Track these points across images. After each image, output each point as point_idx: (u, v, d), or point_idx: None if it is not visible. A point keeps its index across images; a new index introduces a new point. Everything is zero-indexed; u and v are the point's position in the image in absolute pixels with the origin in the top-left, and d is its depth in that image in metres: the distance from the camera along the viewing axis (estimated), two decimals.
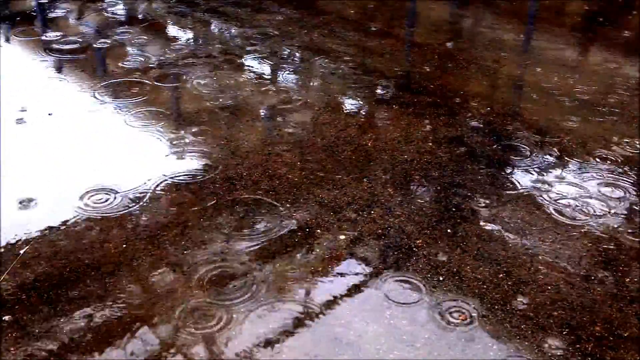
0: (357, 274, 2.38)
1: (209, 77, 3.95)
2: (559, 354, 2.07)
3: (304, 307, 2.22)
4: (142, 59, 4.17)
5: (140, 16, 5.04)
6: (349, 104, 3.68)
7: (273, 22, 4.93)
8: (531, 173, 3.05)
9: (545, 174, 3.05)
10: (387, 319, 2.18)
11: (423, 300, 2.26)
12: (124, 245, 2.48)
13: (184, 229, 2.58)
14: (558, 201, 2.85)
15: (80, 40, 4.42)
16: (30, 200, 2.72)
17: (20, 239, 2.50)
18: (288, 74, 4.07)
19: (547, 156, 3.19)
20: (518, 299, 2.28)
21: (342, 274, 2.37)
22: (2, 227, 2.56)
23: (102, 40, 4.46)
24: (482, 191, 2.90)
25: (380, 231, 2.61)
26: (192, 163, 3.04)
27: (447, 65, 4.23)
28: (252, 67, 4.17)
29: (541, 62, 4.35)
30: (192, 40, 4.61)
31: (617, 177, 3.04)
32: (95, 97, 3.65)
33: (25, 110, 3.47)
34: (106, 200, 2.73)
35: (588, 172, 3.07)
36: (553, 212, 2.77)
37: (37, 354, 2.01)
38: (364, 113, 3.58)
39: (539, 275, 2.40)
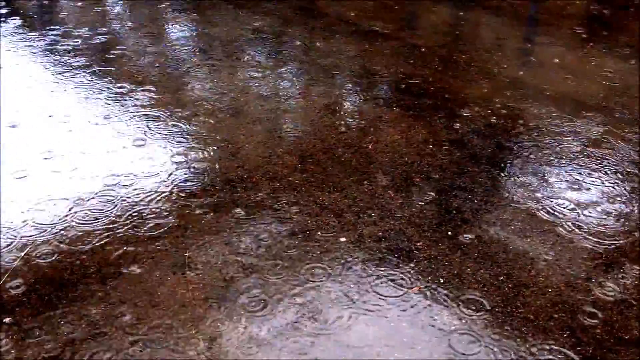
0: (357, 276, 2.38)
1: (208, 79, 3.95)
2: (560, 356, 2.07)
3: (304, 309, 2.22)
4: (141, 62, 4.17)
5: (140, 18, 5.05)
6: (350, 106, 3.69)
7: (273, 23, 4.93)
8: (532, 175, 3.05)
9: (546, 176, 3.05)
10: (387, 321, 2.17)
11: (424, 302, 2.26)
12: (124, 248, 2.48)
13: (185, 231, 2.58)
14: (559, 203, 2.85)
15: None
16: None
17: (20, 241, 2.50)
18: (288, 75, 4.07)
19: (549, 158, 3.19)
20: (519, 302, 2.28)
21: (342, 276, 2.37)
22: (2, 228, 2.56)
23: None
24: (483, 193, 2.90)
25: (380, 233, 2.61)
26: (193, 164, 3.04)
27: (448, 68, 4.23)
28: (252, 68, 4.17)
29: (542, 64, 4.35)
30: (190, 41, 4.61)
31: (618, 179, 3.04)
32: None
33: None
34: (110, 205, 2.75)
35: (589, 174, 3.07)
36: (554, 214, 2.77)
37: (37, 356, 2.01)
38: (364, 115, 3.58)
39: (539, 277, 2.40)
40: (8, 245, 2.47)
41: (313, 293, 2.29)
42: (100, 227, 2.59)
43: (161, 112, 3.51)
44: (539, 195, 2.91)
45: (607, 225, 2.72)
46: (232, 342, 2.08)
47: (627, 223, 2.74)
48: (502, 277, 2.39)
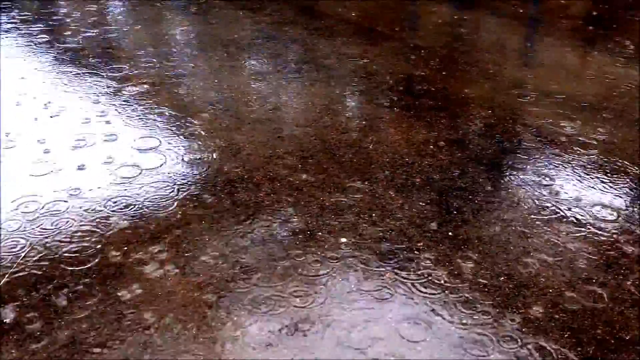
0: (358, 277, 2.38)
1: (209, 79, 3.96)
2: (560, 357, 2.07)
3: (305, 310, 2.22)
4: (141, 61, 4.17)
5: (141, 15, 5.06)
6: (350, 107, 3.69)
7: (273, 24, 4.94)
8: (533, 176, 3.05)
9: (547, 176, 3.05)
10: (388, 322, 2.18)
11: (424, 303, 2.26)
12: (126, 248, 2.48)
13: (185, 231, 2.58)
14: (559, 204, 2.85)
15: None
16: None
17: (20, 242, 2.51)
18: (289, 76, 4.08)
19: (549, 159, 3.19)
20: (519, 302, 2.28)
21: (343, 277, 2.37)
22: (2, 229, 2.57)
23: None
24: (484, 194, 2.90)
25: (381, 234, 2.61)
26: (193, 165, 3.04)
27: (449, 68, 4.23)
28: (253, 69, 4.18)
29: (543, 64, 4.35)
30: (191, 41, 4.61)
31: (619, 179, 3.04)
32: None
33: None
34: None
35: (590, 175, 3.07)
36: (554, 214, 2.77)
37: (37, 356, 2.01)
38: (365, 116, 3.58)
39: (540, 278, 2.40)
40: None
41: (314, 294, 2.29)
42: (99, 225, 2.60)
43: (162, 113, 3.52)
44: (539, 195, 2.91)
45: (608, 225, 2.72)
46: (233, 342, 2.08)
47: (627, 223, 2.74)
48: (502, 278, 2.39)
